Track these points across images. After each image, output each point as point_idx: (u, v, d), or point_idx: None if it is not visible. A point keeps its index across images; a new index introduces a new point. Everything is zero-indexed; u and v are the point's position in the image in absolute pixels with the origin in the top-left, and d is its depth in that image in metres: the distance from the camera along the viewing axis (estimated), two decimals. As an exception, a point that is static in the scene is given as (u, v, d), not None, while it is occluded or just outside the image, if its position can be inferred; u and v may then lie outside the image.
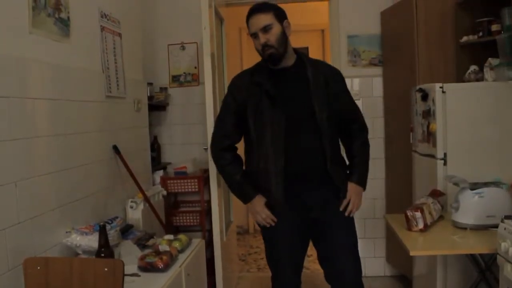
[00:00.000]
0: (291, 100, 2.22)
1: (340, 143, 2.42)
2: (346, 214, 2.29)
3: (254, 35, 2.22)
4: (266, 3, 2.27)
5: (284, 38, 2.21)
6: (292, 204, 2.25)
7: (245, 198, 2.33)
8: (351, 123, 2.38)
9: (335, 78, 2.33)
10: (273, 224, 2.29)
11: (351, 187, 2.31)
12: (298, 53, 2.33)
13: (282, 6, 4.71)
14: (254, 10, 2.22)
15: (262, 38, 2.18)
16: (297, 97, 2.24)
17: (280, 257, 2.36)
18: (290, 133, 2.20)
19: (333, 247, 2.29)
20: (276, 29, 2.18)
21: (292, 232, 2.29)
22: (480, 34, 3.11)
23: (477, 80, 2.96)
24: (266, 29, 2.17)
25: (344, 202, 2.29)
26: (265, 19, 2.18)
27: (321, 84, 2.24)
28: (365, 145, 2.40)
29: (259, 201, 2.27)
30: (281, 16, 2.23)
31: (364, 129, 2.42)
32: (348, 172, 2.39)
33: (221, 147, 2.37)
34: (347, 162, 2.43)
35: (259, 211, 2.28)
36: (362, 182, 2.36)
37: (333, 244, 2.29)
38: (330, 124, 2.22)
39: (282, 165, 2.20)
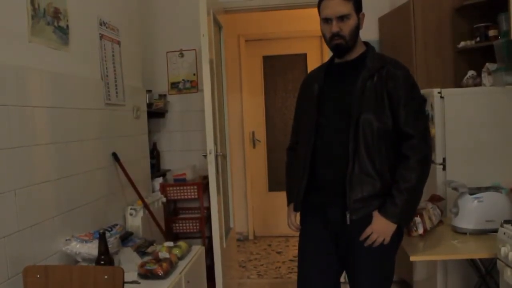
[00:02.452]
0: (332, 97, 2.06)
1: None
2: (365, 245, 1.98)
3: (326, 20, 2.01)
4: None
5: (357, 31, 2.03)
6: (315, 213, 2.11)
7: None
8: (404, 139, 1.96)
9: (396, 83, 1.96)
10: (294, 230, 2.25)
11: (375, 218, 1.96)
12: (367, 47, 2.11)
13: (280, 12, 4.75)
14: None
15: (336, 26, 1.98)
16: (340, 94, 2.04)
17: (300, 266, 2.21)
18: (320, 132, 2.05)
19: (351, 280, 2.10)
20: (353, 20, 1.99)
21: (315, 242, 2.12)
22: (478, 39, 3.13)
23: (475, 85, 2.98)
24: (343, 18, 1.98)
25: (364, 233, 1.97)
26: (345, 7, 1.97)
27: (373, 85, 1.97)
28: (411, 171, 1.93)
29: (291, 206, 2.24)
30: (359, 7, 2.03)
31: (417, 150, 1.94)
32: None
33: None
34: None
35: (287, 215, 2.25)
36: (391, 215, 1.93)
37: (352, 278, 2.09)
38: (372, 131, 1.94)
39: (307, 166, 2.06)
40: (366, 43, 2.12)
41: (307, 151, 2.07)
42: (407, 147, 1.95)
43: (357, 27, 2.03)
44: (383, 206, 1.95)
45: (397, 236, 2.03)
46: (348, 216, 1.97)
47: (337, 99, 2.06)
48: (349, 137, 1.95)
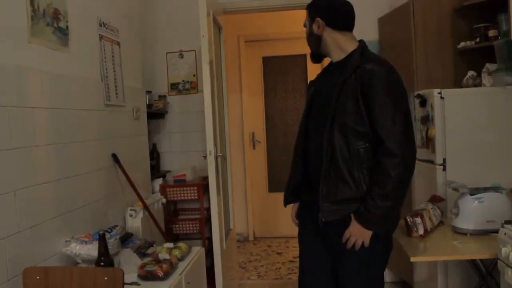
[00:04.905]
0: (318, 99, 2.09)
1: None
2: (347, 247, 1.95)
3: None
4: None
5: (312, 38, 2.10)
6: (305, 214, 2.17)
7: None
8: (377, 143, 1.88)
9: (371, 82, 1.88)
10: (295, 224, 2.29)
11: (352, 221, 1.92)
12: (358, 47, 2.04)
13: (280, 12, 4.74)
14: None
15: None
16: (325, 96, 2.03)
17: (300, 264, 2.24)
18: (309, 134, 2.10)
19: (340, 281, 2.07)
20: (307, 28, 2.12)
21: (309, 242, 2.15)
22: (477, 39, 3.13)
23: (475, 85, 2.98)
24: (304, 27, 2.15)
25: (344, 236, 1.94)
26: (305, 18, 2.14)
27: (349, 85, 1.92)
28: (385, 176, 1.84)
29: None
30: (314, 12, 2.08)
31: (390, 155, 1.84)
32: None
33: None
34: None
35: (291, 210, 2.30)
36: (363, 220, 1.89)
37: (339, 279, 2.06)
38: (346, 134, 1.89)
39: (298, 166, 2.13)
40: (360, 41, 2.10)
41: (297, 152, 2.15)
42: (382, 152, 1.86)
43: (311, 35, 2.09)
44: (358, 211, 1.90)
45: (382, 246, 1.99)
46: (320, 217, 1.95)
47: (322, 101, 2.06)
48: (324, 140, 1.94)
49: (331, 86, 2.00)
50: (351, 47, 2.05)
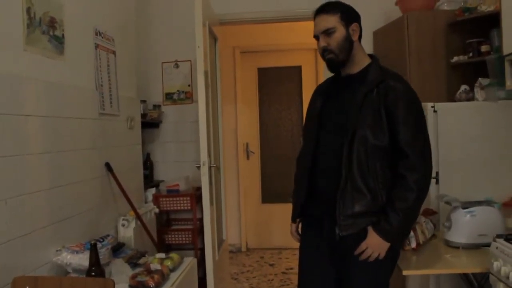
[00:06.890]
0: (333, 111, 2.05)
1: None
2: (360, 259, 1.95)
3: (316, 38, 2.04)
4: (336, 2, 2.06)
5: (347, 44, 2.00)
6: (312, 227, 2.13)
7: None
8: (400, 158, 1.91)
9: (395, 98, 1.91)
10: (295, 240, 2.25)
11: (370, 233, 1.93)
12: (373, 59, 2.08)
13: (275, 24, 4.77)
14: (320, 10, 2.02)
15: (322, 41, 2.01)
16: (339, 109, 2.02)
17: (299, 277, 2.20)
18: (320, 146, 2.05)
19: None
20: (339, 33, 1.99)
21: (313, 254, 2.12)
22: (470, 54, 3.16)
23: (468, 99, 3.00)
24: (327, 32, 1.99)
25: (359, 248, 1.94)
26: (328, 21, 1.99)
27: (371, 100, 1.92)
28: (408, 191, 1.88)
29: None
30: (349, 18, 2.02)
31: (414, 170, 1.89)
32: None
33: None
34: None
35: (291, 224, 2.26)
36: (384, 233, 1.90)
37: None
38: (366, 148, 1.91)
39: (306, 179, 2.08)
40: (371, 56, 2.10)
41: (306, 164, 2.08)
42: (404, 166, 1.90)
43: (347, 40, 2.00)
44: (378, 224, 1.92)
45: (391, 255, 2.00)
46: (337, 231, 1.95)
47: (336, 114, 2.04)
48: (343, 153, 1.93)
49: (348, 99, 1.99)
50: (365, 60, 2.07)
